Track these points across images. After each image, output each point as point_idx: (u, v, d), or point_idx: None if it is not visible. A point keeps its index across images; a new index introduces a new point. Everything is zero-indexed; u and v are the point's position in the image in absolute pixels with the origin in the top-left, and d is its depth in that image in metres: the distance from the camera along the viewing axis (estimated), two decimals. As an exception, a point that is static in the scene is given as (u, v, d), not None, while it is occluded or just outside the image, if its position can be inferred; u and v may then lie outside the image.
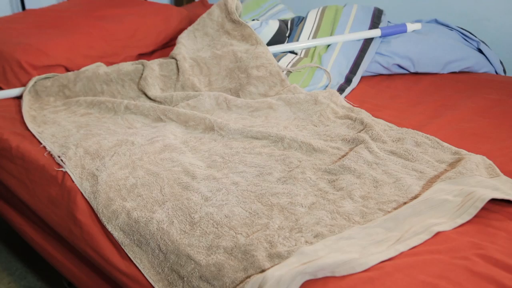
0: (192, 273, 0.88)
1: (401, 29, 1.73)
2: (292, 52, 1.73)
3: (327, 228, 0.91)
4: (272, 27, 1.77)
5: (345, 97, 1.54)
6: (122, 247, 1.00)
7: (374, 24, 1.76)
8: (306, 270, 0.77)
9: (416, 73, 1.70)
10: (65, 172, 1.17)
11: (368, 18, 1.78)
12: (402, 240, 0.86)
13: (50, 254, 1.29)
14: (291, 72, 1.60)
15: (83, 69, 1.64)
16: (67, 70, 1.70)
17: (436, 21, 1.83)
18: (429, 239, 0.87)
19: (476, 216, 0.93)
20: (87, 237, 1.08)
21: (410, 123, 1.34)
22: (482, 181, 1.01)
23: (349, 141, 1.22)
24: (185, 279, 0.89)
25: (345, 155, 1.15)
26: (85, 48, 1.74)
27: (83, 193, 1.11)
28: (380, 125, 1.30)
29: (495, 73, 1.75)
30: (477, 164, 1.07)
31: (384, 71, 1.70)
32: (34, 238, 1.35)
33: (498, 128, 1.31)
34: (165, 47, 1.98)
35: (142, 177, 1.09)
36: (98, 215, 1.05)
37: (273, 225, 0.92)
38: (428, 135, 1.23)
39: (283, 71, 1.57)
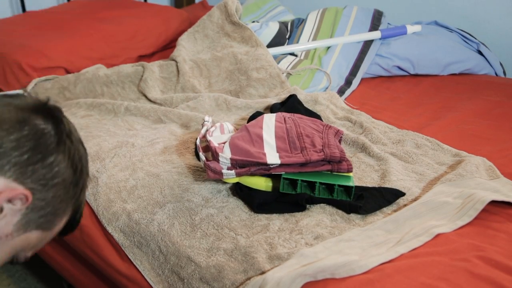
0: (192, 275, 0.88)
1: (401, 31, 1.73)
2: (292, 54, 1.73)
3: (327, 230, 0.91)
4: (272, 29, 1.78)
5: (345, 98, 1.54)
6: (123, 248, 1.00)
7: (374, 26, 1.76)
8: (306, 272, 0.77)
9: (416, 75, 1.70)
10: (65, 174, 1.17)
11: (368, 20, 1.78)
12: (402, 242, 0.86)
13: (50, 256, 1.29)
14: (291, 74, 1.60)
15: (83, 71, 1.64)
16: (67, 72, 1.70)
17: (436, 23, 1.83)
18: (429, 241, 0.87)
19: (476, 218, 0.93)
20: (87, 238, 1.07)
21: (410, 125, 1.34)
22: (482, 183, 1.01)
23: (349, 143, 1.22)
24: (185, 280, 0.89)
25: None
26: (85, 50, 1.75)
27: (83, 195, 1.11)
28: (380, 127, 1.30)
29: (495, 75, 1.75)
30: (477, 166, 1.07)
31: (384, 73, 1.70)
32: (34, 240, 1.35)
33: (498, 130, 1.31)
34: (165, 49, 1.98)
35: (142, 178, 1.09)
36: (98, 217, 1.05)
37: (273, 227, 0.92)
38: (428, 137, 1.23)
39: (283, 73, 1.57)
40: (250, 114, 1.31)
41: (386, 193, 0.98)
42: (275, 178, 1.01)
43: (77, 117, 1.43)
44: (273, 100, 1.42)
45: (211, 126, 1.09)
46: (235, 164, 0.96)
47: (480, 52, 1.74)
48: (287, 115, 1.14)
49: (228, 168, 0.96)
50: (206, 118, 1.11)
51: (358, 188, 1.02)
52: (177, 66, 1.60)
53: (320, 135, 1.06)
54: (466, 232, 0.90)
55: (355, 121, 1.32)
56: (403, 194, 0.99)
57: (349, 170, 0.99)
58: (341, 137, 1.15)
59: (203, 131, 1.06)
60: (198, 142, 1.02)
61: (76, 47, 1.73)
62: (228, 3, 1.72)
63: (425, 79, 1.67)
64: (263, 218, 0.95)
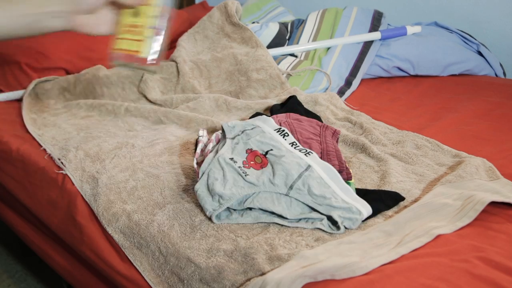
0: (192, 276, 0.88)
1: (401, 32, 1.73)
2: (292, 54, 1.73)
3: (328, 232, 0.91)
4: (272, 30, 1.78)
5: (345, 99, 1.54)
6: (122, 249, 1.00)
7: (374, 26, 1.76)
8: (306, 273, 0.77)
9: (416, 76, 1.70)
10: (65, 175, 1.17)
11: (368, 20, 1.78)
12: (403, 243, 0.86)
13: (50, 256, 1.29)
14: (291, 75, 1.60)
15: (83, 71, 1.64)
16: (68, 72, 1.70)
17: (436, 24, 1.83)
18: (429, 242, 0.87)
19: (476, 219, 0.93)
20: (87, 239, 1.08)
21: (410, 126, 1.34)
22: (482, 184, 1.01)
23: (349, 144, 1.22)
24: (185, 282, 0.89)
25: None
26: (85, 50, 1.74)
27: (83, 195, 1.11)
28: (380, 128, 1.30)
29: (495, 76, 1.76)
30: (477, 167, 1.07)
31: (384, 74, 1.70)
32: (34, 241, 1.35)
33: (498, 131, 1.31)
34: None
35: (142, 179, 1.09)
36: (98, 218, 1.05)
37: (273, 228, 0.92)
38: (428, 138, 1.23)
39: (283, 74, 1.57)
40: (250, 115, 1.31)
41: (385, 198, 0.99)
42: None
43: (77, 118, 1.43)
44: (273, 101, 1.42)
45: (207, 141, 1.08)
46: None
47: (480, 53, 1.74)
48: (282, 119, 1.13)
49: None
50: (200, 132, 1.11)
51: (358, 192, 1.02)
52: (177, 67, 1.60)
53: (318, 139, 1.06)
54: (466, 233, 0.90)
55: (355, 121, 1.32)
56: (402, 198, 0.99)
57: (349, 178, 1.00)
58: (338, 137, 1.15)
59: (198, 150, 1.05)
60: (194, 165, 1.02)
61: (76, 48, 1.73)
62: (228, 4, 1.72)
63: (425, 80, 1.67)
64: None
